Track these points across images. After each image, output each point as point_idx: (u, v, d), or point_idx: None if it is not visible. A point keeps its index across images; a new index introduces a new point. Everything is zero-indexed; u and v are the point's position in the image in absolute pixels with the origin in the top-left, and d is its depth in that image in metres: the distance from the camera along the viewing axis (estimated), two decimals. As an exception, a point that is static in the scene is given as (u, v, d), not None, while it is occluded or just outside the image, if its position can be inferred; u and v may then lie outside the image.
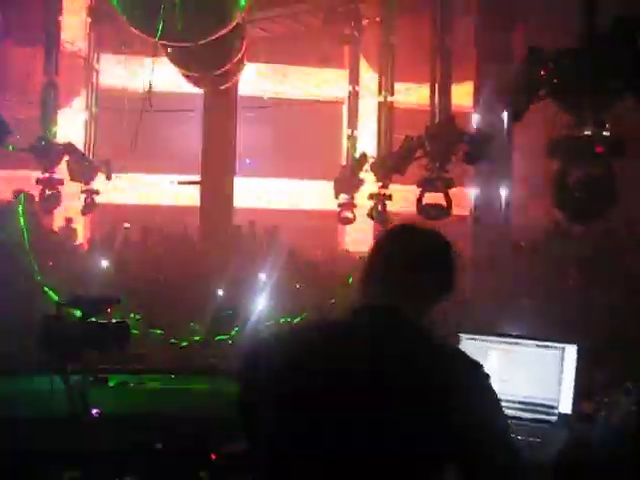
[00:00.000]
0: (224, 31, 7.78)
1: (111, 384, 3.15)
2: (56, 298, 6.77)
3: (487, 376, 1.74)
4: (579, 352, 2.37)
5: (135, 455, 2.63)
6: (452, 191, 10.03)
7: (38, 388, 2.76)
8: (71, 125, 15.37)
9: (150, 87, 8.78)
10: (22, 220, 8.63)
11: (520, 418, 2.40)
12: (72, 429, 2.64)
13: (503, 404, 2.44)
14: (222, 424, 1.93)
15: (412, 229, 1.98)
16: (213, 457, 2.41)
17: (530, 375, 2.44)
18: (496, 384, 2.45)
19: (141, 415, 2.92)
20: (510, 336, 2.56)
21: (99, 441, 2.65)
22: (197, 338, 6.60)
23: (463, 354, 1.78)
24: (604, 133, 5.31)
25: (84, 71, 14.99)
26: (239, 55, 10.71)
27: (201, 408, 3.02)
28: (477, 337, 2.59)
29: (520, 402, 2.45)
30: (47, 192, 12.09)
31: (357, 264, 13.32)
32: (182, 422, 2.84)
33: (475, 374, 1.72)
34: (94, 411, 2.80)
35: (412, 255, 1.88)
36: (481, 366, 1.73)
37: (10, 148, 10.39)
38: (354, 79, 15.66)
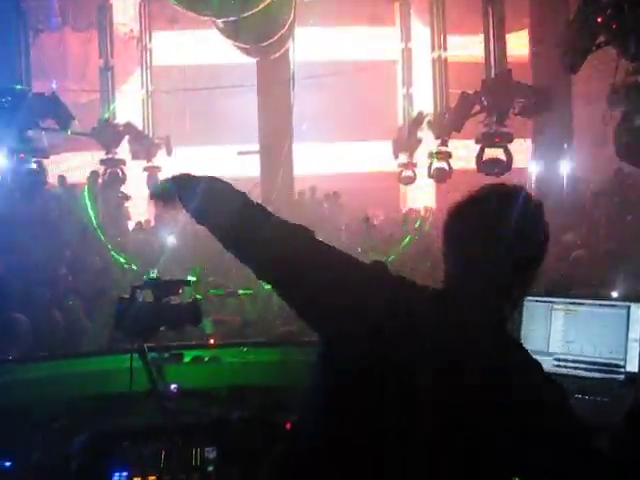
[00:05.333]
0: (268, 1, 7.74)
1: (186, 360, 3.26)
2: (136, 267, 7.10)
3: (564, 393, 1.67)
4: (646, 310, 2.36)
5: (213, 427, 2.72)
6: (512, 144, 9.86)
7: (119, 366, 2.88)
8: (129, 105, 15.64)
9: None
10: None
11: (587, 378, 2.42)
12: (152, 404, 2.74)
13: (570, 364, 2.49)
14: (296, 394, 1.98)
15: (508, 194, 1.75)
16: (288, 427, 2.48)
17: (596, 335, 2.44)
18: (562, 345, 2.50)
19: (217, 388, 3.02)
20: (574, 296, 2.56)
21: (178, 415, 2.76)
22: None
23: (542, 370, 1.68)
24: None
25: (138, 51, 15.18)
26: (288, 23, 10.67)
27: (274, 378, 3.10)
28: (541, 299, 2.59)
29: (587, 362, 2.46)
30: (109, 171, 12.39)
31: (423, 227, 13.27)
32: (257, 393, 2.93)
33: (552, 391, 1.64)
34: (172, 386, 2.91)
35: (519, 232, 1.67)
36: (558, 384, 1.67)
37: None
38: (406, 36, 15.40)
